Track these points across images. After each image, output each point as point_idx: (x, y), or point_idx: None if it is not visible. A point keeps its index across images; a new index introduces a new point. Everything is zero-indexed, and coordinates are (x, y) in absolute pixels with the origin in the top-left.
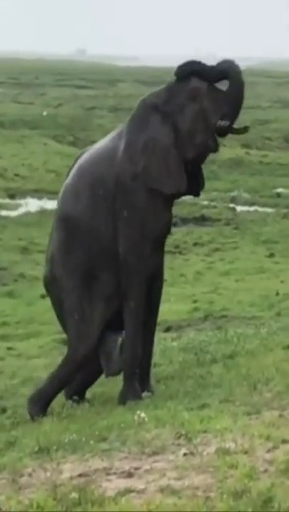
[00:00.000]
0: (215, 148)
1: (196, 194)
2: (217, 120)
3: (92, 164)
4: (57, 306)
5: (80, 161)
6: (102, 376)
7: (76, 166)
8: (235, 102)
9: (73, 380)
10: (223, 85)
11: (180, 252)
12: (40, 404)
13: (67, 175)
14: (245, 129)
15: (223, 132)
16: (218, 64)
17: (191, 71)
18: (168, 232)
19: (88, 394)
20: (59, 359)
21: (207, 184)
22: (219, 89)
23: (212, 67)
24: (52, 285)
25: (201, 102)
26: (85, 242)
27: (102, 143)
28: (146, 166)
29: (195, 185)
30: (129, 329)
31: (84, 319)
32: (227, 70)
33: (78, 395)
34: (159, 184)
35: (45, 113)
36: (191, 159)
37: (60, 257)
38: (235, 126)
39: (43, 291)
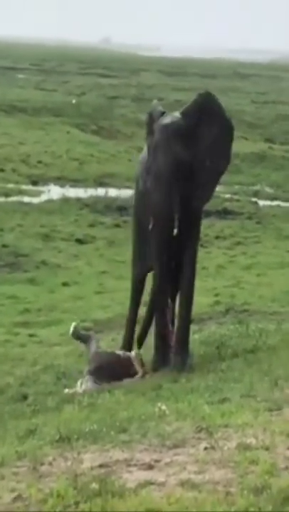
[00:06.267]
0: None
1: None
2: None
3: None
4: None
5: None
6: None
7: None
8: None
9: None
10: None
11: (202, 245)
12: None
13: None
14: None
15: None
16: None
17: None
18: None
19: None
20: (80, 347)
21: (230, 177)
22: None
23: None
24: None
25: None
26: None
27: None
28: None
29: None
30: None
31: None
32: None
33: None
34: None
35: (74, 101)
36: None
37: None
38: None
39: (64, 278)
